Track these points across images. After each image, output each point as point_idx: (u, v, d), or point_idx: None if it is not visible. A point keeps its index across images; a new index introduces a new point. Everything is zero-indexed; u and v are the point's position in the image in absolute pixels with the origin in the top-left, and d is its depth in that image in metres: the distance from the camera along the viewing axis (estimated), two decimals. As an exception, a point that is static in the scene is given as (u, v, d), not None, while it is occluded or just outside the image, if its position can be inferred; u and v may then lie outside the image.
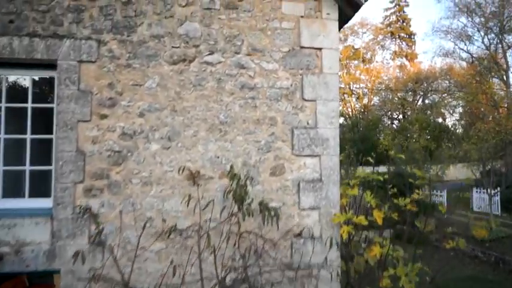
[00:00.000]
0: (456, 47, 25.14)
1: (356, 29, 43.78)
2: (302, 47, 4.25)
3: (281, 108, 4.19)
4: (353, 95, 44.19)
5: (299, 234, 4.11)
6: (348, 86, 43.75)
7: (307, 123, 4.22)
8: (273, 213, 3.52)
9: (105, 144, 3.84)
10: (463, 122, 33.05)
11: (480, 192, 17.58)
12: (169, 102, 3.98)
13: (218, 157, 4.03)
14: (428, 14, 60.75)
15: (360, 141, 29.58)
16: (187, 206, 3.43)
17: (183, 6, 4.08)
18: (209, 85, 4.06)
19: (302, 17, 4.28)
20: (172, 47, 4.02)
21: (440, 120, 37.58)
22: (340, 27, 4.59)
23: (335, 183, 4.20)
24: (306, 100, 4.23)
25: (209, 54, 4.09)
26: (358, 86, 44.66)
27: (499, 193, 15.96)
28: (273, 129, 4.15)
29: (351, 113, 43.67)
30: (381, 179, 4.81)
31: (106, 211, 3.81)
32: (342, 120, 43.26)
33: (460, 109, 35.18)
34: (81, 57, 3.84)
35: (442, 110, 37.42)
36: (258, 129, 4.12)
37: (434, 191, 16.88)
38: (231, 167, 3.40)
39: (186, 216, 3.89)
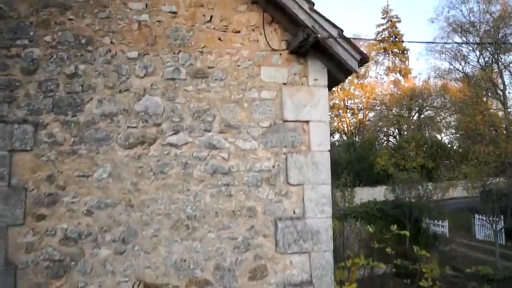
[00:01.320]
0: (452, 67, 24.72)
1: (349, 45, 43.66)
2: (285, 121, 3.57)
3: (261, 195, 3.48)
4: (348, 111, 43.84)
5: None
6: (342, 102, 43.42)
7: (294, 213, 3.51)
8: None
9: (43, 253, 3.10)
10: (458, 135, 32.50)
11: (482, 219, 16.87)
12: (123, 196, 3.26)
13: (185, 260, 3.30)
14: (421, 28, 61.08)
15: (356, 161, 28.97)
16: None
17: (142, 77, 3.39)
18: (173, 172, 3.36)
19: (285, 84, 3.61)
20: (128, 127, 3.33)
21: (437, 135, 37.17)
22: (329, 89, 3.93)
23: (329, 285, 3.47)
24: (291, 185, 3.52)
25: (173, 133, 3.39)
26: (352, 102, 44.35)
27: (502, 222, 15.25)
28: (252, 222, 3.44)
29: (346, 129, 43.23)
30: (383, 266, 4.09)
31: (43, 338, 3.04)
32: (337, 136, 42.83)
33: (456, 123, 34.72)
34: (13, 146, 3.12)
35: (439, 125, 37.06)
36: (234, 223, 3.40)
37: (435, 221, 16.15)
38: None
39: None
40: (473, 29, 21.68)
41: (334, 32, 3.31)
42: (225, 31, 3.57)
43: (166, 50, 3.46)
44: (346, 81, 44.04)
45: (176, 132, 3.40)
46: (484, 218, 16.75)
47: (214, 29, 3.56)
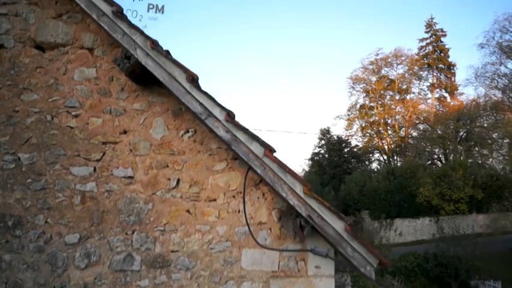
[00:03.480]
0: (505, 97, 22.23)
1: (390, 60, 41.51)
2: (274, 329, 2.61)
3: None
4: (388, 129, 41.59)
5: None
6: (383, 120, 41.28)
7: None
8: None
9: None
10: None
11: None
12: None
13: None
14: (470, 41, 56.96)
15: (396, 190, 26.97)
16: None
17: (83, 269, 2.59)
18: None
19: (274, 273, 2.65)
20: None
21: (488, 154, 34.13)
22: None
23: None
24: None
25: None
26: (393, 118, 42.00)
27: None
28: None
29: (386, 148, 40.99)
30: None
31: None
32: (377, 155, 40.58)
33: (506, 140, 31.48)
34: None
35: (490, 147, 33.98)
36: None
37: (486, 281, 14.21)
38: None
39: None
40: (531, 52, 19.32)
41: (340, 226, 2.31)
42: (195, 200, 2.69)
43: (116, 230, 2.63)
44: (387, 96, 41.97)
45: None
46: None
47: (181, 197, 2.69)
